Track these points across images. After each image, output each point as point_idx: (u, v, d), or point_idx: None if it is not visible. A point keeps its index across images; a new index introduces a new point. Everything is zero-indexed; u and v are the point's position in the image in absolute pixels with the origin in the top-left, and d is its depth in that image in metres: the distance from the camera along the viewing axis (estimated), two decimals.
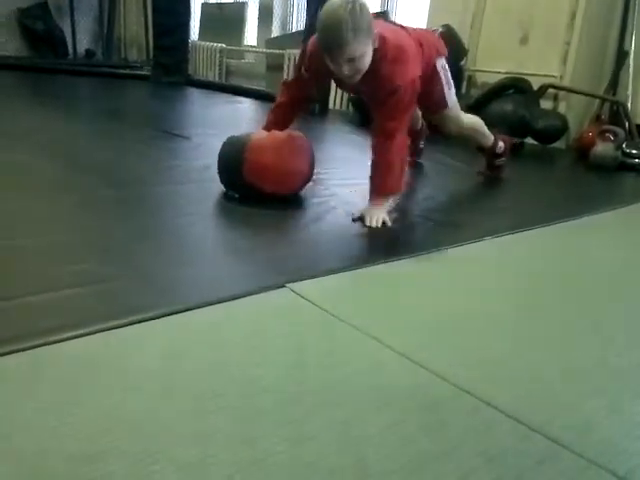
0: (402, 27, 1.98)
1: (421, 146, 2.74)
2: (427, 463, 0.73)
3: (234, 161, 1.85)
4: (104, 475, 0.66)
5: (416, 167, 2.67)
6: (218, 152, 1.91)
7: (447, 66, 2.20)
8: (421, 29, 2.21)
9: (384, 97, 1.77)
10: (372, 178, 1.82)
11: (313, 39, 1.85)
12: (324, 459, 0.72)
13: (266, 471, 0.69)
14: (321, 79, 2.05)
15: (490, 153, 2.58)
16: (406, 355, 0.99)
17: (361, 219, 1.75)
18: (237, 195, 1.88)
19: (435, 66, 2.10)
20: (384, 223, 1.73)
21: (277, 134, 1.92)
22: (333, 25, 1.63)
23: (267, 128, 2.01)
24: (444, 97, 2.22)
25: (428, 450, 0.76)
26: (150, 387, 0.84)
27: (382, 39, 1.72)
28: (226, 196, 1.89)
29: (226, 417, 0.79)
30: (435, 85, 2.15)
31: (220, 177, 1.92)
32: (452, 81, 2.23)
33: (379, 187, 1.80)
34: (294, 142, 1.91)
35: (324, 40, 1.68)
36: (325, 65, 1.74)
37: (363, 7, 1.64)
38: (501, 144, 2.56)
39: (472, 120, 2.51)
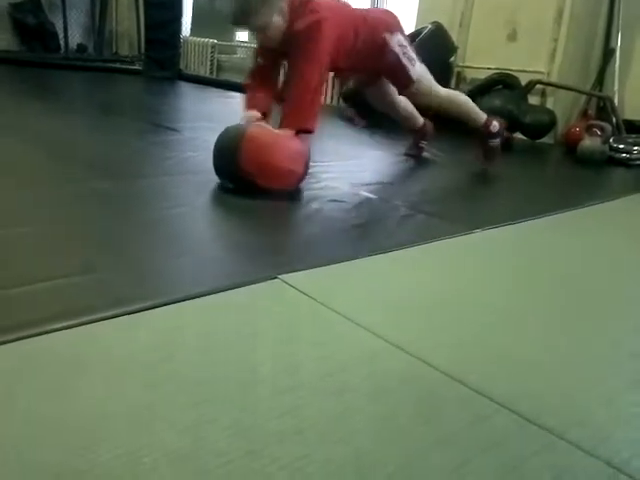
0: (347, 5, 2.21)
1: (421, 145, 2.73)
2: (422, 453, 0.73)
3: (230, 149, 1.83)
4: (95, 466, 0.65)
5: (410, 162, 2.67)
6: (214, 142, 1.90)
7: (406, 42, 2.24)
8: (379, 9, 2.36)
9: (300, 45, 1.94)
10: (283, 113, 1.94)
11: None
12: (319, 450, 0.71)
13: (260, 462, 0.68)
14: (275, 59, 2.16)
15: (484, 132, 2.51)
16: (399, 346, 0.98)
17: None
18: (232, 185, 1.87)
19: (385, 39, 2.16)
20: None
21: (274, 130, 1.93)
22: (238, 2, 1.93)
23: (249, 105, 2.09)
24: (407, 72, 2.24)
25: (423, 440, 0.75)
26: (141, 378, 0.83)
27: (302, 5, 1.95)
28: (219, 188, 1.88)
29: (218, 408, 0.78)
30: (388, 59, 2.20)
31: (215, 165, 1.91)
32: (415, 56, 2.26)
33: (287, 120, 1.91)
34: (290, 142, 1.90)
35: (232, 15, 1.98)
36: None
37: None
38: (495, 123, 2.51)
39: (453, 93, 2.50)
